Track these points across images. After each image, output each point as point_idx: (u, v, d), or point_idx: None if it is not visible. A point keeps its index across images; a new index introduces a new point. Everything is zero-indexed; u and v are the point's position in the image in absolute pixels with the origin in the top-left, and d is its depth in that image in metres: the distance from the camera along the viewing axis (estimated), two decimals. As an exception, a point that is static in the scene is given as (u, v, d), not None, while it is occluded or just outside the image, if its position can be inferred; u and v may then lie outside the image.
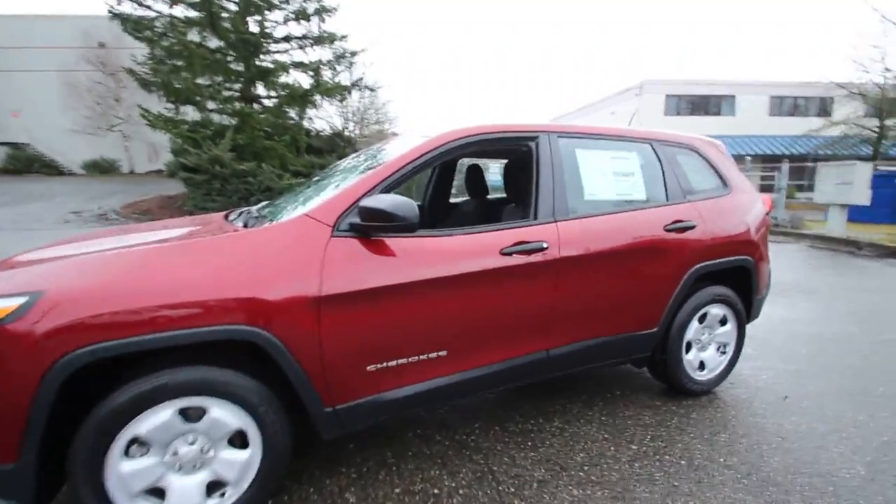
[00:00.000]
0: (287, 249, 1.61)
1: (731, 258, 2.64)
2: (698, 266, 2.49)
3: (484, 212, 2.93)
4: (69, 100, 23.07)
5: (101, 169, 23.81)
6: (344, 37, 16.00)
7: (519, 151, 2.26)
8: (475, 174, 3.09)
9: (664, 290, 2.43)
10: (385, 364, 1.77)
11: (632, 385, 2.89)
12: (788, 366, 3.20)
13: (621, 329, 2.36)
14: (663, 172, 2.54)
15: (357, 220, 1.70)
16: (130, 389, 1.44)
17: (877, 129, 20.82)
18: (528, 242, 2.00)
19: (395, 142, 2.34)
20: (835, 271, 6.94)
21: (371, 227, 1.67)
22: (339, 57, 16.11)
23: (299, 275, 1.59)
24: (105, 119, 23.62)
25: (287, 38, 15.80)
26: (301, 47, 15.95)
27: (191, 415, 1.53)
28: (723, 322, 2.75)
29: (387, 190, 1.82)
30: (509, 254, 1.95)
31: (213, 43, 14.76)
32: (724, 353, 2.80)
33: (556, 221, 2.11)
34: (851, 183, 10.06)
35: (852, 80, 20.30)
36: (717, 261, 2.57)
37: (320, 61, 15.42)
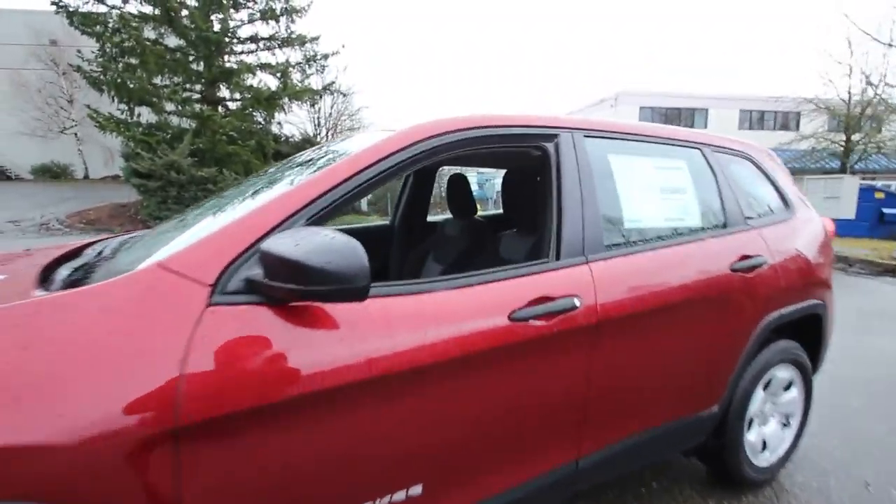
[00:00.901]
0: (111, 335, 0.83)
1: (804, 304, 1.98)
2: (770, 318, 1.82)
3: (473, 237, 2.20)
4: (17, 100, 21.51)
5: (53, 174, 22.17)
6: (315, 39, 15.22)
7: (528, 156, 1.54)
8: (460, 187, 2.35)
9: (730, 354, 1.74)
10: (313, 526, 1.00)
11: (669, 471, 2.18)
12: (848, 428, 2.56)
13: (675, 414, 1.65)
14: (718, 188, 1.86)
15: (258, 273, 0.94)
16: None
17: (843, 144, 21.18)
18: (551, 299, 1.26)
19: (354, 139, 1.55)
20: (837, 292, 6.47)
21: (280, 291, 0.91)
22: (310, 59, 15.31)
23: (132, 386, 0.81)
24: (57, 121, 22.13)
25: (253, 39, 14.91)
26: (268, 48, 15.08)
27: None
28: (787, 387, 2.08)
29: (318, 219, 1.06)
30: (524, 319, 1.21)
31: (173, 41, 13.75)
32: (787, 426, 2.13)
33: (588, 262, 1.39)
34: (839, 197, 9.82)
35: (819, 95, 20.62)
36: (790, 309, 1.90)
37: (288, 63, 14.58)
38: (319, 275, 0.85)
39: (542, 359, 1.25)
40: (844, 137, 21.17)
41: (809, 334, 2.13)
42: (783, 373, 2.02)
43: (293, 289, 0.88)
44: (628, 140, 1.66)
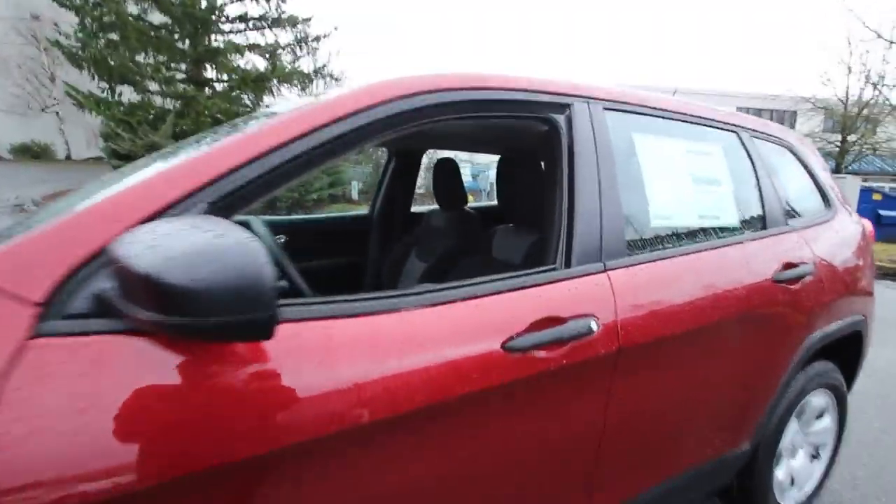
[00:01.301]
0: None
1: (847, 321, 1.69)
2: (814, 337, 1.52)
3: (462, 232, 1.88)
4: (-5, 76, 20.74)
5: (33, 153, 21.44)
6: (307, 20, 14.69)
7: (530, 132, 1.22)
8: (448, 172, 2.02)
9: (768, 383, 1.44)
10: None
11: None
12: (875, 454, 2.30)
13: (703, 457, 1.35)
14: (758, 180, 1.55)
15: (111, 288, 0.61)
16: None
17: (838, 144, 21.05)
18: (560, 321, 0.95)
19: (307, 99, 1.20)
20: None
21: (137, 320, 0.58)
22: (301, 41, 14.79)
23: None
24: (38, 98, 21.37)
25: (242, 18, 14.35)
26: (258, 28, 14.54)
27: None
28: (819, 415, 1.80)
29: (226, 206, 0.72)
30: (523, 349, 0.89)
31: (158, 18, 13.17)
32: (816, 458, 1.85)
33: (606, 270, 1.08)
34: (840, 198, 9.60)
35: (816, 94, 20.39)
36: (834, 326, 1.61)
37: (277, 44, 14.06)
38: (186, 299, 0.52)
39: (545, 401, 0.94)
40: (840, 138, 21.09)
41: (845, 353, 1.85)
42: (818, 399, 1.73)
43: (153, 319, 0.55)
44: (657, 117, 1.33)
